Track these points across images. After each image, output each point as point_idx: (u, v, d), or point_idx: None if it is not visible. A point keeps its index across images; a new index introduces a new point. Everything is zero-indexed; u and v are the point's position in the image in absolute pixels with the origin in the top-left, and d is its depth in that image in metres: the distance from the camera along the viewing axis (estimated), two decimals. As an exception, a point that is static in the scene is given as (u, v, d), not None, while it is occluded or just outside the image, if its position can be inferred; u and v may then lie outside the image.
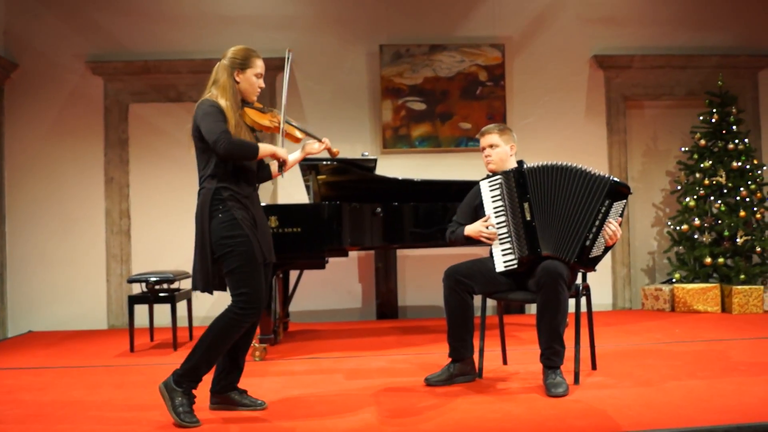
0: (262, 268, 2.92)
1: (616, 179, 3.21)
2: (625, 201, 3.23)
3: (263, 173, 3.14)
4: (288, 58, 3.10)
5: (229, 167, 2.89)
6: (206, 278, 2.87)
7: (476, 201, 3.57)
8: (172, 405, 2.80)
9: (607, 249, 3.26)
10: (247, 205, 2.91)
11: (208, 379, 3.03)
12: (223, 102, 2.88)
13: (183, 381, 2.83)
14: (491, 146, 3.55)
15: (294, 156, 3.18)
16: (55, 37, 6.22)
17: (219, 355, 2.89)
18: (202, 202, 2.88)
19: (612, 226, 3.22)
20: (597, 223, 3.20)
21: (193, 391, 2.87)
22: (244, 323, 2.86)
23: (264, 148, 2.90)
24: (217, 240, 2.83)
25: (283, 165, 3.00)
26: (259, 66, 2.98)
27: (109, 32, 6.27)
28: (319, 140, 3.19)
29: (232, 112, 2.87)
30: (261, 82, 3.02)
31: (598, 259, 3.26)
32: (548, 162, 3.34)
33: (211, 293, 2.92)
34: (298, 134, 3.15)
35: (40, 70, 6.21)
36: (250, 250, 2.85)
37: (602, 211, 3.19)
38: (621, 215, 3.26)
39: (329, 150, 3.22)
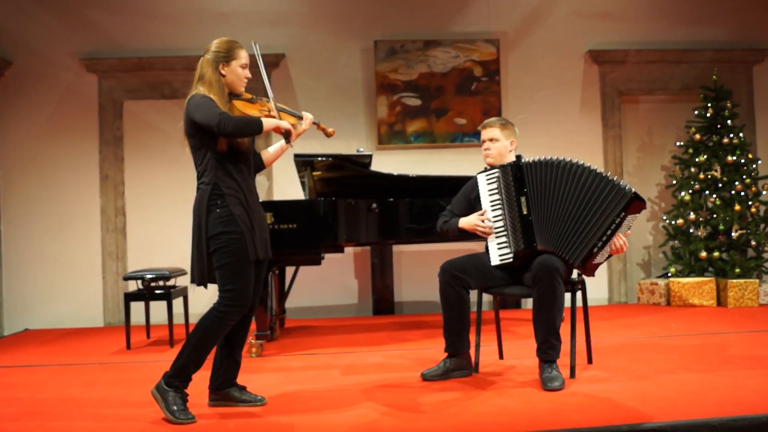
0: (252, 266, 2.91)
1: (636, 193, 3.12)
2: (637, 215, 3.20)
3: (256, 162, 3.10)
4: (257, 51, 3.01)
5: (225, 161, 2.86)
6: (201, 272, 2.88)
7: (473, 193, 3.55)
8: (165, 405, 2.81)
9: (608, 257, 3.26)
10: (244, 200, 2.89)
11: (205, 376, 3.04)
12: (212, 97, 2.85)
13: (173, 381, 2.84)
14: (491, 140, 3.53)
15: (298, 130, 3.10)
16: (49, 35, 6.19)
17: (207, 353, 2.89)
18: (200, 196, 2.88)
19: (622, 239, 3.21)
20: (609, 233, 3.16)
21: (186, 390, 2.87)
22: (230, 320, 2.86)
23: (266, 121, 2.86)
24: (212, 235, 2.83)
25: (288, 135, 2.93)
26: (243, 57, 2.94)
27: (103, 29, 6.24)
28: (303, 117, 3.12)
29: (222, 106, 2.84)
30: (247, 72, 2.97)
31: (598, 265, 3.26)
32: (550, 157, 3.30)
33: (205, 287, 2.93)
34: (291, 120, 3.08)
35: (33, 68, 6.18)
36: (243, 248, 2.84)
37: (616, 222, 3.15)
38: (630, 228, 3.24)
39: (324, 129, 3.19)
